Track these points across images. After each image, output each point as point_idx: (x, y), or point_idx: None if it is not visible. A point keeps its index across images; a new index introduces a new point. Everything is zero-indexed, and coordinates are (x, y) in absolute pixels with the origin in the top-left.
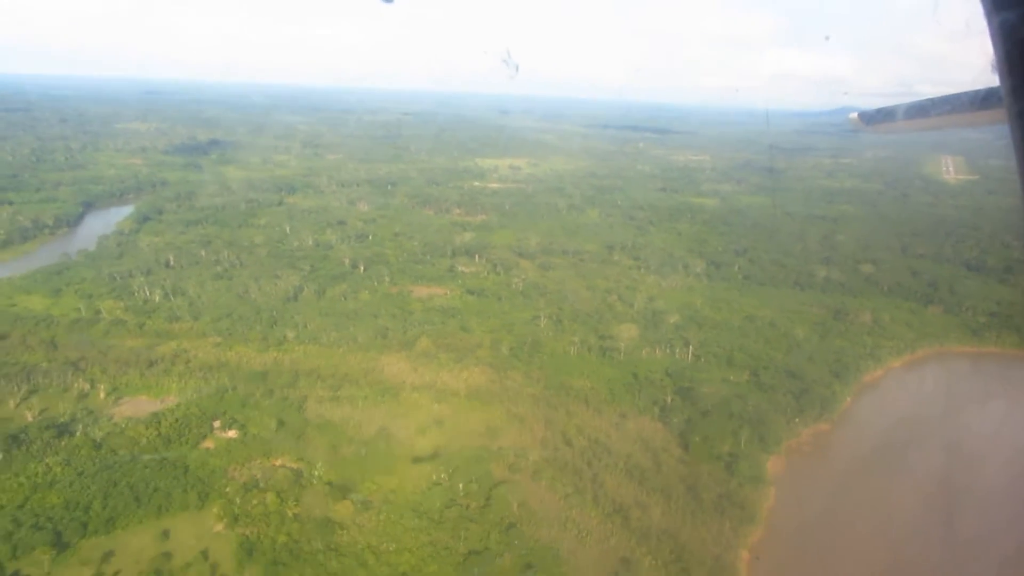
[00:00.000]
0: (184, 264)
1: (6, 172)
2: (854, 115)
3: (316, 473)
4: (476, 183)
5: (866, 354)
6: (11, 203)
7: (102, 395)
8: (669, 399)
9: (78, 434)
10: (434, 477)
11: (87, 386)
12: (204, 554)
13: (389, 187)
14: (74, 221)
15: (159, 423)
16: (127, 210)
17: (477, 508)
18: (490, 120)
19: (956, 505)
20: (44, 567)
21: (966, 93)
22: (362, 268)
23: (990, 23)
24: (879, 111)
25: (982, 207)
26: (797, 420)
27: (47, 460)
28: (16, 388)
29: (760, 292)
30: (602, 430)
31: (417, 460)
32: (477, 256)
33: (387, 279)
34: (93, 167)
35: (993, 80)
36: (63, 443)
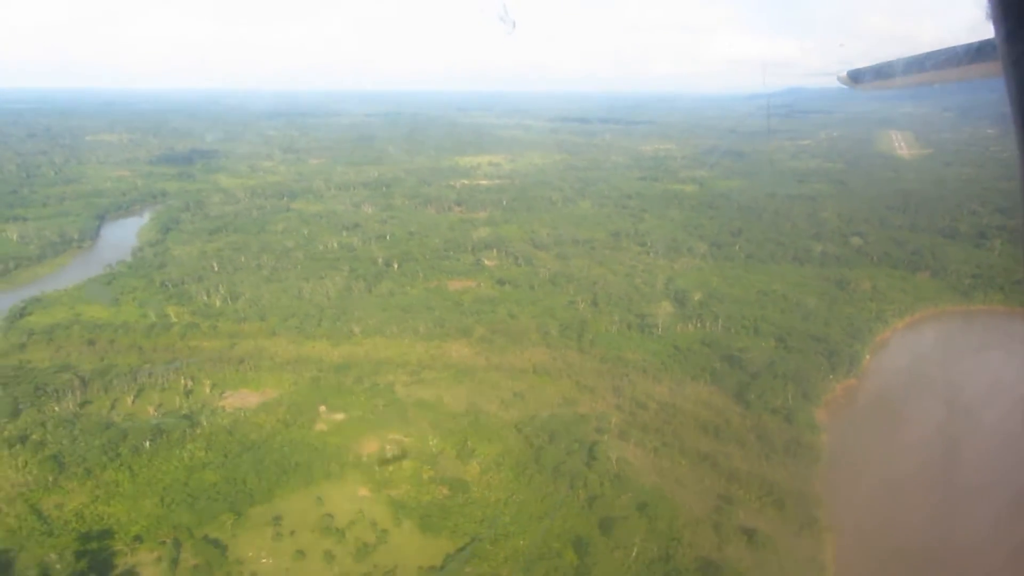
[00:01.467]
0: (229, 270)
1: (4, 188)
2: (843, 74)
3: (431, 443)
4: (464, 181)
5: (873, 317)
6: (25, 219)
7: (207, 390)
8: (717, 365)
9: (204, 424)
10: (534, 442)
11: (190, 383)
12: (360, 514)
13: (384, 189)
14: (95, 234)
15: (272, 411)
16: (139, 221)
17: (582, 464)
18: (453, 119)
19: (978, 437)
20: (228, 530)
21: (959, 46)
22: (396, 266)
23: None
24: (869, 69)
25: (943, 179)
26: (831, 377)
27: (188, 446)
28: (127, 387)
29: (764, 269)
30: (666, 394)
31: (513, 428)
32: (495, 250)
33: (421, 275)
34: (86, 180)
35: (986, 33)
36: (197, 432)
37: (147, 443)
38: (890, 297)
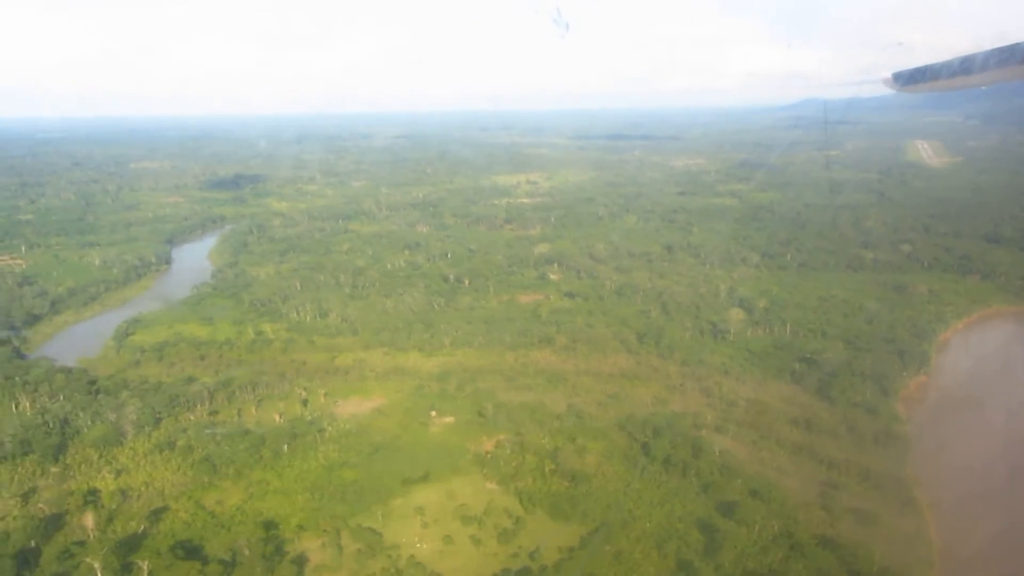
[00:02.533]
0: (311, 288)
1: (71, 216)
2: (887, 76)
3: (544, 440)
4: (507, 199)
5: (933, 319)
6: (97, 244)
7: (321, 399)
8: (795, 366)
9: (329, 428)
10: (638, 438)
11: (304, 392)
12: (492, 504)
13: (432, 209)
14: (168, 257)
15: (387, 415)
16: (205, 244)
17: (689, 455)
18: (478, 139)
19: None
20: (379, 520)
21: (1009, 47)
22: (467, 282)
23: None
24: (915, 71)
25: (979, 186)
26: (904, 374)
27: (322, 448)
28: (248, 397)
29: (819, 276)
30: (752, 393)
31: (616, 426)
32: (555, 264)
33: (491, 290)
34: (144, 207)
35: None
36: (326, 435)
37: (284, 446)
38: (946, 300)
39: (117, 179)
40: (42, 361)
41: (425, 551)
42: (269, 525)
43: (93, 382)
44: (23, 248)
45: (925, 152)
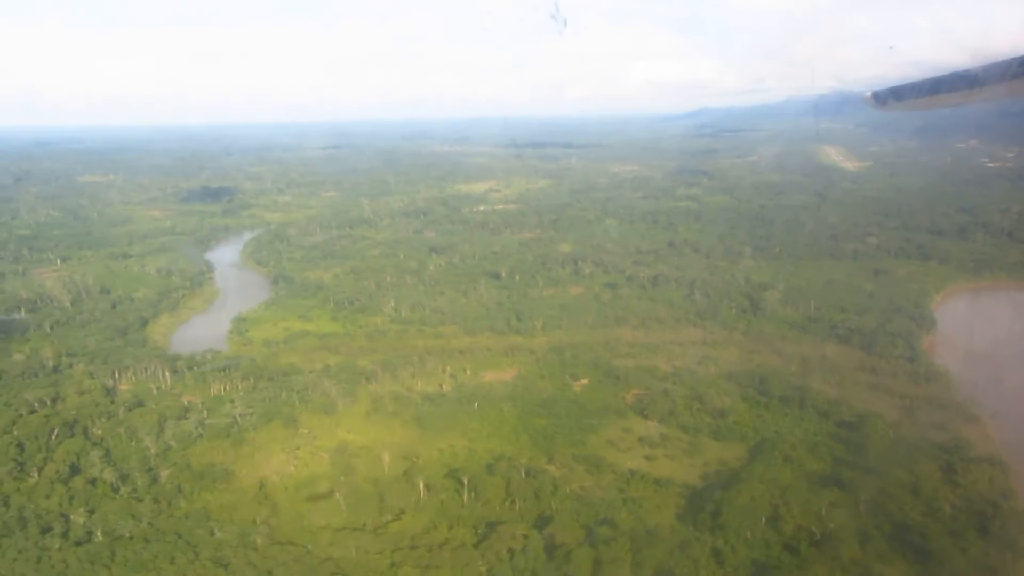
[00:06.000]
0: (385, 288)
1: (75, 231)
2: (867, 95)
3: (677, 389)
4: (483, 206)
5: (919, 294)
6: (129, 256)
7: (467, 372)
8: (840, 331)
9: (492, 392)
10: (750, 385)
11: (448, 368)
12: (663, 435)
13: (423, 216)
14: (208, 265)
15: (533, 381)
16: (224, 253)
17: (798, 395)
18: (408, 148)
19: None
20: (591, 448)
21: (991, 64)
22: (517, 278)
23: None
24: (893, 90)
25: (899, 187)
26: (919, 333)
27: (501, 405)
28: (405, 374)
29: (809, 265)
30: (813, 352)
31: (725, 378)
32: (579, 261)
33: (539, 283)
34: (138, 221)
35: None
36: (494, 396)
37: (475, 405)
38: (920, 279)
39: (77, 194)
40: (208, 354)
41: (637, 466)
42: (501, 459)
43: (263, 369)
44: (58, 261)
45: (835, 157)
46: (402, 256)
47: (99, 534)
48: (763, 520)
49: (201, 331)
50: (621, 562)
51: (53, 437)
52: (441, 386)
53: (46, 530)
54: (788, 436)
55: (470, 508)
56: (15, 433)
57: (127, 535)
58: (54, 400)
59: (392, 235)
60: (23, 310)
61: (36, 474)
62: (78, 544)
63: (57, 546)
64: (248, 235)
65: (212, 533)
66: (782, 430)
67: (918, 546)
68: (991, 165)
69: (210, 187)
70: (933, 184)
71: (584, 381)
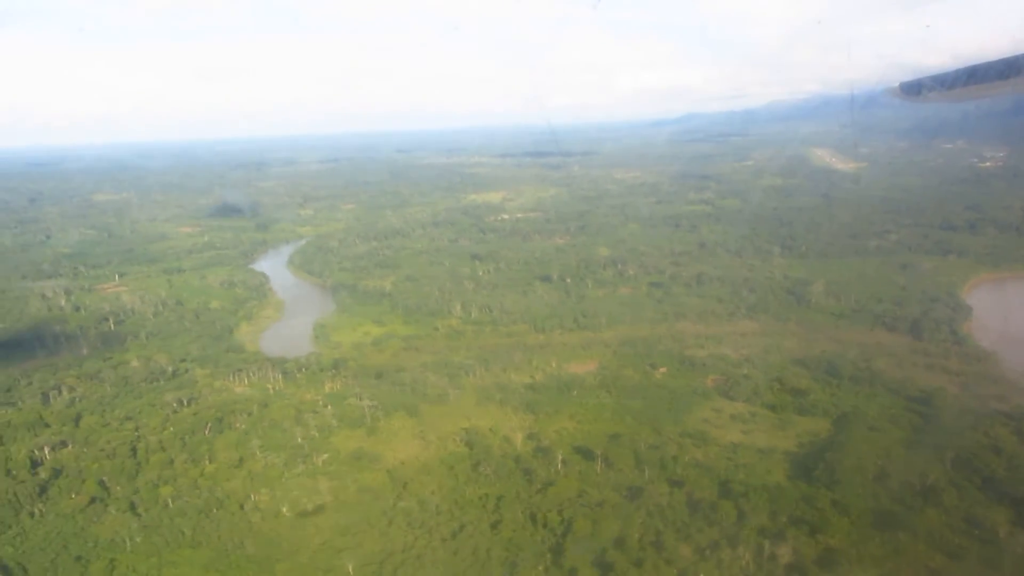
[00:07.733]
0: (446, 293)
1: (119, 248)
2: (895, 87)
3: (752, 373)
4: (504, 216)
5: (948, 286)
6: (181, 270)
7: (554, 364)
8: (886, 319)
9: (583, 382)
10: (818, 367)
11: (533, 362)
12: (750, 412)
13: (451, 226)
14: (265, 278)
15: (616, 371)
16: (268, 265)
17: (867, 374)
18: (407, 160)
19: None
20: (692, 424)
21: (1019, 56)
22: (568, 280)
23: None
24: (921, 81)
25: (902, 186)
26: (957, 320)
27: (596, 392)
28: (497, 368)
29: (837, 261)
30: (866, 339)
31: (794, 364)
32: (619, 264)
33: (589, 284)
34: (175, 237)
35: None
36: (587, 384)
37: (574, 392)
38: (946, 272)
39: (100, 213)
40: (312, 356)
41: (736, 439)
42: (616, 436)
43: (366, 368)
44: (116, 276)
45: (828, 159)
46: (448, 264)
47: (285, 509)
48: (870, 477)
49: (285, 337)
50: (760, 511)
51: (206, 432)
52: (533, 377)
53: (241, 506)
54: (866, 410)
55: (606, 476)
56: (171, 429)
57: (310, 508)
58: (190, 400)
59: (429, 244)
60: (111, 322)
61: (207, 461)
62: (275, 516)
63: (259, 518)
64: (284, 248)
65: (395, 502)
66: (859, 405)
67: (1010, 495)
68: (983, 165)
69: (230, 203)
70: (934, 183)
71: (663, 369)
